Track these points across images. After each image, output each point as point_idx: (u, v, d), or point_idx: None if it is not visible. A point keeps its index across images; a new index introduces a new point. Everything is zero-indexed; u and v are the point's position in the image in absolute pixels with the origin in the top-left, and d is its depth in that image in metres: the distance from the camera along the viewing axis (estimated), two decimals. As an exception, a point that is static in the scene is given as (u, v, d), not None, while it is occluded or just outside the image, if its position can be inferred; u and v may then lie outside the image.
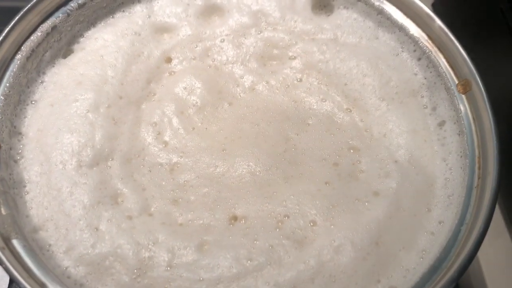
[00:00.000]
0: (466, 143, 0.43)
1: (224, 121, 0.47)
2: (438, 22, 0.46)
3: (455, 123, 0.45)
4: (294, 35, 0.51)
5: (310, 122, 0.47)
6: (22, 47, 0.44)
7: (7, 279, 0.54)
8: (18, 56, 0.44)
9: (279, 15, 0.52)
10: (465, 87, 0.45)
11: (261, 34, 0.52)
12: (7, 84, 0.42)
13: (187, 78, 0.49)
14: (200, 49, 0.51)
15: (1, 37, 0.42)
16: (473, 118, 0.44)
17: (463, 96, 0.45)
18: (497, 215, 0.58)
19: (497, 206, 0.39)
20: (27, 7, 0.44)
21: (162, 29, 0.51)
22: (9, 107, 0.42)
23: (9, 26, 0.43)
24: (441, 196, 0.42)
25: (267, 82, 0.49)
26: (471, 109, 0.44)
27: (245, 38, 0.51)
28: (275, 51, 0.51)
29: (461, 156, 0.43)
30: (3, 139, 0.40)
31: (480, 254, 0.41)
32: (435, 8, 0.67)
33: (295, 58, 0.51)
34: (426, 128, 0.46)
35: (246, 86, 0.49)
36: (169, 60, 0.50)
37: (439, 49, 0.47)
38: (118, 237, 0.39)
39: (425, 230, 0.41)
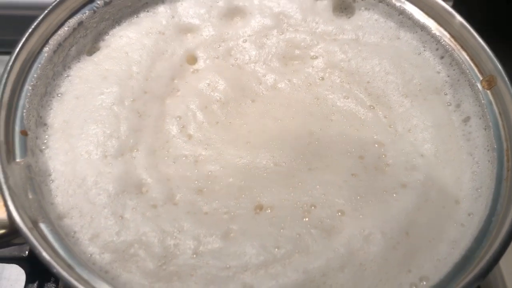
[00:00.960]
0: (493, 137, 0.43)
1: (248, 116, 0.47)
2: (460, 19, 0.47)
3: (480, 118, 0.45)
4: (316, 36, 0.52)
5: (333, 118, 0.47)
6: (50, 41, 0.45)
7: (23, 277, 0.54)
8: (46, 49, 0.44)
9: (301, 17, 0.53)
10: (490, 82, 0.45)
11: (283, 35, 0.52)
12: (35, 75, 0.43)
13: (210, 76, 0.49)
14: (223, 49, 0.51)
15: (30, 30, 0.43)
16: (499, 113, 0.43)
17: (488, 91, 0.45)
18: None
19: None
20: (54, 3, 0.45)
21: (186, 29, 0.51)
22: (36, 97, 0.42)
23: (37, 20, 0.43)
24: (469, 189, 0.42)
25: (289, 81, 0.49)
26: (497, 104, 0.44)
27: (267, 38, 0.52)
28: (297, 51, 0.52)
29: (488, 150, 0.43)
30: (30, 128, 0.40)
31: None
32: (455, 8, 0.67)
33: (316, 57, 0.51)
34: (451, 124, 0.46)
35: (269, 84, 0.49)
36: (192, 58, 0.50)
37: (461, 46, 0.47)
38: (143, 225, 0.38)
39: (454, 221, 0.40)
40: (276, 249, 0.38)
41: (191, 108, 0.46)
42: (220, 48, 0.51)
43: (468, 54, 0.47)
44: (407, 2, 0.50)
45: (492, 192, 0.40)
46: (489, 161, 0.42)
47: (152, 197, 0.40)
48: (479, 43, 0.45)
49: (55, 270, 0.32)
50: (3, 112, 0.38)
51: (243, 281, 0.36)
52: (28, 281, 0.56)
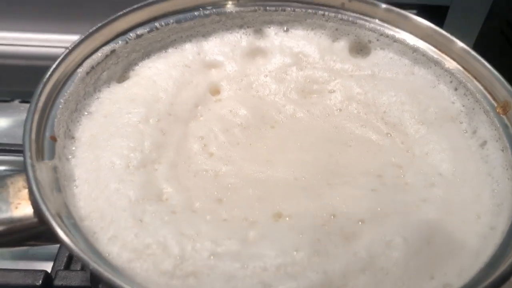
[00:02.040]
0: (511, 156, 0.43)
1: (268, 139, 0.48)
2: (472, 52, 0.49)
3: (497, 141, 0.45)
4: (333, 73, 0.55)
5: (351, 144, 0.48)
6: (83, 63, 0.48)
7: None
8: (79, 70, 0.47)
9: (319, 56, 0.56)
10: (505, 108, 0.46)
11: (302, 71, 0.55)
12: (67, 91, 0.45)
13: (232, 104, 0.51)
14: (245, 83, 0.54)
15: (66, 52, 0.46)
16: (517, 134, 0.44)
17: (504, 116, 0.46)
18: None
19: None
20: (91, 30, 0.48)
21: (210, 64, 0.55)
22: (66, 111, 0.44)
23: (74, 44, 0.47)
24: (490, 205, 0.41)
25: (308, 111, 0.51)
26: (513, 126, 0.45)
27: (286, 74, 0.55)
28: (315, 86, 0.54)
29: (506, 169, 0.43)
30: (59, 135, 0.42)
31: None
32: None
33: (334, 91, 0.53)
34: (468, 148, 0.47)
35: (288, 113, 0.51)
36: (215, 90, 0.53)
37: (475, 77, 0.49)
38: (161, 228, 0.38)
39: (476, 234, 0.39)
40: (295, 252, 0.37)
41: (213, 130, 0.48)
42: (242, 81, 0.54)
43: (481, 84, 0.48)
44: (420, 41, 0.53)
45: (513, 206, 0.39)
46: (508, 178, 0.42)
47: (171, 204, 0.41)
48: (492, 72, 0.47)
49: (75, 253, 0.32)
50: (36, 116, 0.40)
51: (261, 280, 0.35)
52: (39, 311, 0.55)
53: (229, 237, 0.38)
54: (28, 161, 0.36)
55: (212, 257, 0.37)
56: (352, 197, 0.42)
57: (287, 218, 0.40)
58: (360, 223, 0.40)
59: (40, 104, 0.41)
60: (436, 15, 0.80)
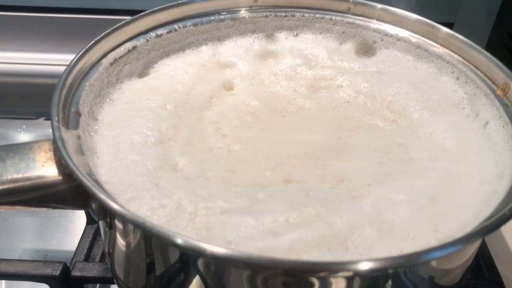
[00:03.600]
0: (512, 129, 0.45)
1: (279, 125, 0.51)
2: (472, 44, 0.52)
3: (498, 119, 0.47)
4: (341, 70, 0.58)
5: (359, 130, 0.51)
6: (108, 55, 0.52)
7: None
8: (103, 61, 0.51)
9: (327, 56, 0.60)
10: (504, 89, 0.48)
11: (311, 70, 0.58)
12: (92, 76, 0.49)
13: (245, 97, 0.54)
14: (257, 80, 0.57)
15: (92, 42, 0.50)
16: (516, 110, 0.46)
17: (504, 97, 0.48)
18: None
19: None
20: (112, 28, 0.52)
21: (225, 65, 0.58)
22: (91, 93, 0.48)
23: (99, 37, 0.51)
24: (493, 174, 0.43)
25: (317, 103, 0.54)
26: (513, 104, 0.47)
27: (296, 73, 0.58)
28: (324, 83, 0.57)
29: (508, 142, 0.45)
30: (83, 112, 0.45)
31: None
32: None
33: (342, 86, 0.56)
34: (471, 129, 0.49)
35: (299, 105, 0.54)
36: (229, 86, 0.56)
37: (475, 66, 0.52)
38: (176, 190, 0.41)
39: (480, 198, 0.41)
40: (304, 208, 0.39)
41: (227, 116, 0.51)
42: (255, 79, 0.57)
43: (481, 71, 0.51)
44: (422, 38, 0.56)
45: (515, 169, 0.41)
46: (509, 149, 0.44)
47: (186, 173, 0.43)
48: (490, 58, 0.50)
49: (95, 195, 0.34)
50: (64, 91, 0.44)
51: (271, 230, 0.37)
52: (57, 301, 0.56)
53: (240, 196, 0.40)
54: (55, 124, 0.39)
55: (224, 213, 0.39)
56: (360, 167, 0.44)
57: (296, 183, 0.42)
58: (367, 186, 0.41)
59: (67, 83, 0.45)
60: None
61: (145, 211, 0.39)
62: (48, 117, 0.84)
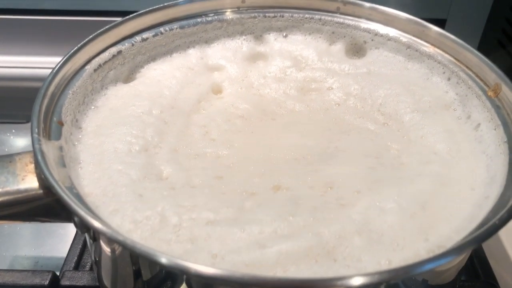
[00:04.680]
0: (503, 133, 0.44)
1: (269, 128, 0.50)
2: (461, 42, 0.51)
3: (489, 121, 0.46)
4: (331, 72, 0.57)
5: (350, 133, 0.50)
6: (91, 61, 0.50)
7: None
8: (87, 67, 0.50)
9: (317, 58, 0.59)
10: (496, 90, 0.47)
11: (301, 72, 0.57)
12: (76, 84, 0.48)
13: (234, 100, 0.53)
14: (246, 82, 0.56)
15: (75, 48, 0.49)
16: (507, 113, 0.45)
17: (495, 99, 0.47)
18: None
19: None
20: (96, 33, 0.51)
21: (213, 68, 0.57)
22: (74, 101, 0.47)
23: (83, 43, 0.50)
24: (485, 178, 0.42)
25: (307, 105, 0.53)
26: (504, 106, 0.46)
27: (286, 75, 0.57)
28: (314, 85, 0.56)
29: (499, 145, 0.44)
30: (66, 122, 0.44)
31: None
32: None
33: (332, 89, 0.55)
34: (462, 131, 0.48)
35: (289, 108, 0.53)
36: (218, 88, 0.55)
37: (466, 66, 0.51)
38: (160, 201, 0.40)
39: (471, 204, 0.40)
40: (291, 217, 0.38)
41: (215, 120, 0.50)
42: (244, 81, 0.56)
43: (472, 72, 0.50)
44: (414, 38, 0.55)
45: (506, 175, 0.40)
46: (501, 153, 0.43)
47: (171, 182, 0.42)
48: (481, 58, 0.49)
49: (76, 212, 0.33)
50: (45, 100, 0.43)
51: (257, 241, 0.36)
52: (46, 311, 0.55)
53: (226, 206, 0.39)
54: (35, 136, 0.38)
55: (209, 224, 0.38)
56: (350, 173, 0.43)
57: (285, 190, 0.41)
58: (356, 193, 0.41)
59: (49, 91, 0.44)
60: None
61: (128, 224, 0.38)
62: (38, 121, 0.82)
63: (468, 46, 0.50)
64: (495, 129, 0.45)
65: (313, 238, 0.36)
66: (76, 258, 0.60)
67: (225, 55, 0.59)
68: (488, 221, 0.36)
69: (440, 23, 0.80)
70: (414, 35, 0.56)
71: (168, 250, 0.36)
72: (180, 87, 0.54)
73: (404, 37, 0.56)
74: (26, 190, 0.37)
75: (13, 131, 0.86)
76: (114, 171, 0.42)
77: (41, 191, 0.37)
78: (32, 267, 0.68)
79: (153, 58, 0.57)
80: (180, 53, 0.58)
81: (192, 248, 0.36)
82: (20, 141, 0.85)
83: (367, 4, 0.58)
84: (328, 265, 0.35)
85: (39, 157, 0.37)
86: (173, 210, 0.39)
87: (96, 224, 0.32)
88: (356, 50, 0.59)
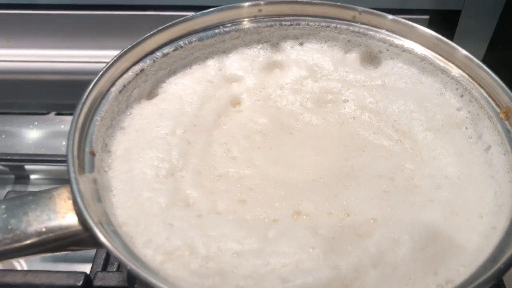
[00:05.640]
0: (513, 160, 0.46)
1: (287, 144, 0.52)
2: (476, 60, 0.52)
3: (500, 145, 0.48)
4: (346, 83, 0.58)
5: (365, 150, 0.52)
6: (116, 83, 0.52)
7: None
8: (113, 89, 0.52)
9: (332, 68, 0.60)
10: (507, 113, 0.49)
11: (317, 83, 0.59)
12: (103, 109, 0.50)
13: (252, 114, 0.55)
14: (264, 94, 0.58)
15: (101, 73, 0.51)
16: (518, 139, 0.47)
17: (506, 122, 0.49)
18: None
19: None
20: (120, 53, 0.53)
21: (231, 79, 0.59)
22: (103, 127, 0.49)
23: (107, 66, 0.52)
24: (492, 206, 0.45)
25: (323, 118, 0.55)
26: (515, 131, 0.48)
27: (302, 86, 0.59)
28: (330, 96, 0.58)
29: (508, 172, 0.46)
30: (97, 151, 0.47)
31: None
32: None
33: (348, 101, 0.57)
34: (472, 153, 0.50)
35: (305, 121, 0.55)
36: (236, 102, 0.57)
37: (479, 84, 0.52)
38: (189, 231, 0.43)
39: (479, 233, 0.43)
40: (311, 249, 0.41)
41: (236, 136, 0.52)
42: (261, 93, 0.58)
43: (485, 90, 0.51)
44: (427, 50, 0.56)
45: (512, 208, 0.42)
46: (509, 181, 0.45)
47: (197, 208, 0.45)
48: (495, 79, 0.50)
49: (120, 260, 0.36)
50: (77, 134, 0.45)
51: (280, 275, 0.39)
52: (82, 310, 0.60)
53: (250, 236, 0.42)
54: (72, 175, 0.41)
55: (235, 255, 0.41)
56: (366, 198, 0.46)
57: (305, 217, 0.44)
58: (372, 221, 0.43)
59: (80, 122, 0.46)
60: (449, 19, 0.83)
61: (161, 256, 0.41)
62: (59, 111, 0.85)
63: (481, 64, 0.52)
64: (504, 155, 0.47)
65: (332, 272, 0.40)
66: (103, 258, 0.64)
67: (242, 65, 0.60)
68: (494, 258, 0.39)
69: (455, 14, 0.80)
70: (428, 48, 0.57)
71: (199, 282, 0.40)
72: (201, 103, 0.56)
73: (419, 49, 0.57)
74: (66, 227, 0.41)
75: (36, 123, 0.88)
76: (144, 199, 0.45)
77: (80, 227, 0.41)
78: (63, 258, 0.73)
79: (173, 72, 0.58)
80: (199, 64, 0.60)
81: (221, 281, 0.40)
82: (42, 133, 0.88)
83: (384, 14, 0.59)
84: (345, 300, 0.38)
85: (78, 199, 0.40)
86: (201, 241, 0.42)
87: (137, 270, 0.35)
88: (371, 58, 0.60)
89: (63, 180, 0.79)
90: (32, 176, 0.82)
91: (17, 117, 0.89)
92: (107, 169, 0.48)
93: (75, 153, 0.44)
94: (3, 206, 0.40)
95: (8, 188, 0.80)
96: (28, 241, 0.40)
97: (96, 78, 0.50)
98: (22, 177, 0.82)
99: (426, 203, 0.45)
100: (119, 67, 0.53)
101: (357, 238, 0.42)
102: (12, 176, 0.81)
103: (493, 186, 0.46)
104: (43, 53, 0.86)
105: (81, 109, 0.47)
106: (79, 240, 0.42)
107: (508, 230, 0.41)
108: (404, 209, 0.45)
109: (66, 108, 0.92)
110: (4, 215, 0.40)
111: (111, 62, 0.52)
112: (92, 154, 0.46)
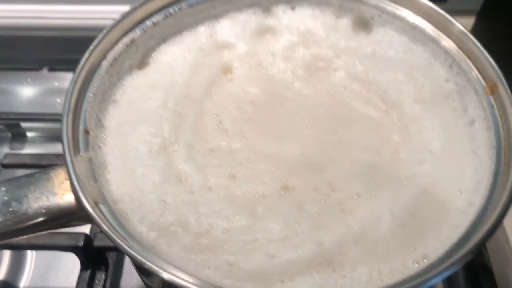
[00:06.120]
0: (494, 136, 0.47)
1: (278, 114, 0.53)
2: (464, 31, 0.52)
3: (483, 120, 0.49)
4: (337, 51, 0.58)
5: (355, 120, 0.53)
6: (107, 56, 0.53)
7: (78, 264, 0.62)
8: (104, 63, 0.52)
9: (324, 34, 0.60)
10: (492, 88, 0.50)
11: (308, 50, 0.59)
12: (95, 85, 0.51)
13: (243, 83, 0.56)
14: (255, 62, 0.58)
15: (91, 48, 0.51)
16: (500, 115, 0.48)
17: (490, 96, 0.50)
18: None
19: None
20: (111, 25, 0.53)
21: (223, 46, 0.59)
22: (96, 103, 0.50)
23: (98, 39, 0.52)
24: (472, 182, 0.46)
25: (314, 88, 0.56)
26: (498, 107, 0.49)
27: (294, 52, 0.59)
28: (321, 64, 0.58)
29: (489, 148, 0.47)
30: (91, 128, 0.48)
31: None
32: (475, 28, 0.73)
33: (338, 69, 0.57)
34: (457, 126, 0.51)
35: (296, 90, 0.56)
36: (228, 70, 0.58)
37: (467, 56, 0.53)
38: (181, 208, 0.45)
39: (456, 209, 0.45)
40: (297, 225, 0.44)
41: (227, 107, 0.53)
42: (253, 61, 0.58)
43: (473, 64, 0.52)
44: (419, 18, 0.56)
45: (490, 185, 0.44)
46: (489, 158, 0.47)
47: (189, 184, 0.47)
48: (482, 52, 0.50)
49: (112, 240, 0.39)
50: (71, 114, 0.46)
51: (267, 251, 0.42)
52: (82, 268, 0.64)
53: (240, 212, 0.45)
54: (68, 158, 0.43)
55: (225, 231, 0.44)
56: (351, 172, 0.48)
57: (292, 192, 0.46)
58: (356, 196, 0.46)
59: (73, 101, 0.47)
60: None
61: (155, 232, 0.44)
62: (51, 67, 0.86)
63: (471, 37, 0.52)
64: (487, 130, 0.49)
65: (315, 248, 0.42)
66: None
67: (234, 31, 0.60)
68: (468, 235, 0.41)
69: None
70: (420, 16, 0.56)
71: (192, 258, 0.42)
72: (192, 72, 0.56)
73: (411, 17, 0.57)
74: (65, 208, 0.43)
75: (29, 80, 0.89)
76: (138, 176, 0.47)
77: (78, 207, 0.43)
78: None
79: (164, 40, 0.58)
80: (190, 31, 0.60)
81: (212, 257, 0.42)
82: (36, 90, 0.88)
83: (376, -20, 0.58)
84: (327, 275, 0.41)
85: (74, 181, 0.42)
86: (193, 218, 0.45)
87: (132, 253, 0.38)
88: (363, 25, 0.60)
89: (59, 138, 0.80)
90: (29, 134, 0.83)
91: (10, 73, 0.89)
92: (101, 145, 0.49)
93: (70, 134, 0.45)
94: (3, 189, 0.42)
95: (5, 148, 0.81)
96: (30, 222, 0.42)
97: (87, 53, 0.51)
98: (19, 135, 0.83)
99: (409, 178, 0.47)
100: (109, 40, 0.53)
101: (341, 214, 0.45)
102: (9, 134, 0.83)
103: (474, 162, 0.48)
104: (33, 9, 0.85)
105: (73, 88, 0.48)
106: (78, 217, 0.44)
107: (483, 208, 0.43)
108: (387, 184, 0.47)
109: (58, 63, 0.92)
110: (5, 197, 0.42)
111: (102, 36, 0.52)
112: (86, 132, 0.47)
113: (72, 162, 0.43)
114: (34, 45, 0.89)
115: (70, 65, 0.87)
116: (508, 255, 0.70)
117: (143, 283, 0.65)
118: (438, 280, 0.38)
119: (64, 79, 0.87)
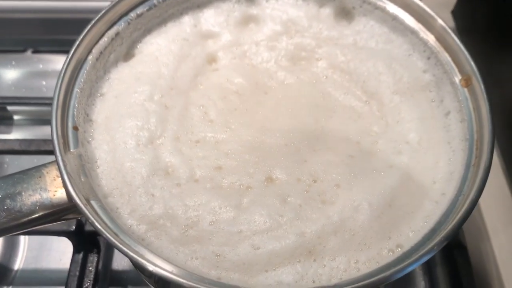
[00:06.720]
0: (467, 129, 0.50)
1: (262, 104, 0.55)
2: (442, 23, 0.54)
3: (458, 112, 0.52)
4: (320, 41, 0.60)
5: (336, 110, 0.55)
6: (93, 50, 0.53)
7: (70, 248, 0.64)
8: (90, 57, 0.53)
9: (307, 23, 0.61)
10: (467, 81, 0.52)
11: (291, 39, 0.60)
12: (82, 80, 0.52)
13: (228, 73, 0.57)
14: (239, 52, 0.59)
15: (77, 42, 0.51)
16: (473, 108, 0.50)
17: (465, 89, 0.52)
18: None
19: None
20: (96, 18, 0.53)
21: (207, 35, 0.60)
22: (83, 98, 0.51)
23: (83, 34, 0.52)
24: (445, 173, 0.49)
25: (297, 77, 0.57)
26: (472, 100, 0.51)
27: (277, 42, 0.60)
28: (304, 53, 0.60)
29: (462, 140, 0.50)
30: (80, 124, 0.49)
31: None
32: (454, 14, 0.74)
33: (321, 59, 0.59)
34: (434, 117, 0.53)
35: (280, 79, 0.57)
36: (213, 60, 0.59)
37: (445, 49, 0.54)
38: (169, 201, 0.47)
39: (430, 199, 0.47)
40: (280, 217, 0.46)
41: (212, 98, 0.55)
42: (237, 51, 0.59)
43: (450, 55, 0.54)
44: (400, 9, 0.57)
45: (462, 176, 0.47)
46: (462, 149, 0.49)
47: (176, 177, 0.49)
48: (458, 45, 0.52)
49: (104, 236, 0.41)
50: (59, 111, 0.47)
51: (252, 242, 0.44)
52: (75, 251, 0.66)
53: (225, 205, 0.47)
54: (58, 156, 0.44)
55: (212, 223, 0.46)
56: (332, 163, 0.50)
57: (276, 183, 0.49)
58: (336, 187, 0.48)
59: (61, 99, 0.48)
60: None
61: (145, 225, 0.46)
62: (36, 49, 0.86)
63: (449, 30, 0.53)
64: (461, 122, 0.51)
65: (297, 238, 0.45)
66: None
67: (218, 20, 0.61)
68: (439, 225, 0.44)
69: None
70: (400, 7, 0.58)
71: (180, 250, 0.45)
72: (177, 63, 0.57)
73: (391, 8, 0.58)
74: (58, 204, 0.45)
75: (13, 63, 0.89)
76: (127, 170, 0.49)
77: (70, 203, 0.45)
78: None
79: (148, 31, 0.59)
80: (174, 21, 0.60)
81: (199, 248, 0.45)
82: (20, 72, 0.88)
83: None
84: (308, 264, 0.44)
85: (65, 178, 0.43)
86: (181, 211, 0.47)
87: (125, 250, 0.40)
88: (345, 14, 0.61)
89: (46, 121, 0.80)
90: (16, 117, 0.84)
91: (-7, 55, 0.89)
92: (90, 139, 0.51)
93: (59, 132, 0.46)
94: (-4, 186, 0.44)
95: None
96: (25, 219, 0.44)
97: (73, 49, 0.51)
98: (6, 118, 0.84)
99: (386, 169, 0.50)
100: (94, 34, 0.54)
101: (322, 205, 0.47)
102: (-5, 118, 0.84)
103: (448, 152, 0.50)
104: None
105: (61, 84, 0.49)
106: (70, 212, 0.46)
107: (455, 198, 0.46)
108: (365, 175, 0.49)
109: (42, 44, 0.92)
110: (-1, 195, 0.44)
111: (87, 30, 0.53)
112: (75, 128, 0.49)
113: (63, 160, 0.44)
114: (17, 27, 0.88)
115: (54, 46, 0.88)
116: (482, 231, 0.73)
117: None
118: (410, 269, 0.41)
119: (49, 61, 0.87)
